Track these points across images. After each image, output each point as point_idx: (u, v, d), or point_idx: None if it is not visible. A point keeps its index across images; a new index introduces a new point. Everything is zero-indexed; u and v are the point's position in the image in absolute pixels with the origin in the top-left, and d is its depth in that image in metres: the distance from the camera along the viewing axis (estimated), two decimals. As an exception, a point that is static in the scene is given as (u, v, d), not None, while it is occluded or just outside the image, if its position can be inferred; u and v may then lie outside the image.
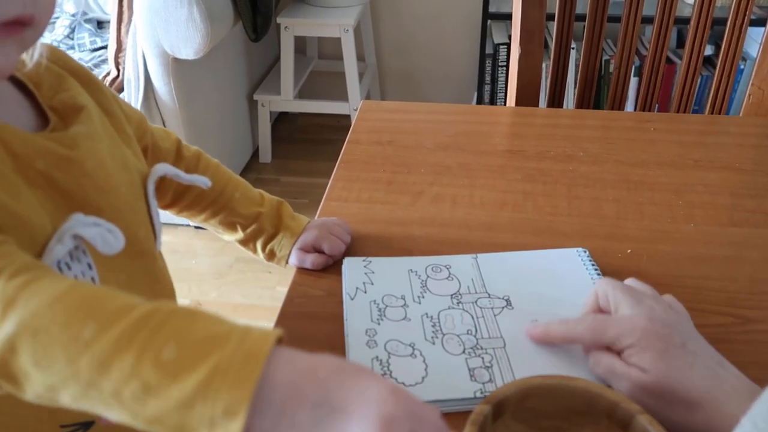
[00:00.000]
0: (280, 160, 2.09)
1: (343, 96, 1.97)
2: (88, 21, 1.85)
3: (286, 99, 1.94)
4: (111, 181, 0.44)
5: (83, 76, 0.48)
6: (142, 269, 0.47)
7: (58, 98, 0.44)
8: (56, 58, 0.47)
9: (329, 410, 0.31)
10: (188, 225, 1.69)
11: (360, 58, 2.10)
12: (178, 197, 0.60)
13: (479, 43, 1.98)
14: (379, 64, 2.24)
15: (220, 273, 1.64)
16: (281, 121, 2.31)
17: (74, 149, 0.42)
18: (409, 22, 2.15)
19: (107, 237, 0.40)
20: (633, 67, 1.84)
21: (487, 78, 1.97)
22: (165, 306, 0.33)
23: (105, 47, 1.74)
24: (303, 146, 2.18)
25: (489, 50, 1.95)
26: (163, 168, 0.51)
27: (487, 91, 1.99)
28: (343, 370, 0.32)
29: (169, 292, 0.51)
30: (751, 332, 0.53)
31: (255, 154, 2.09)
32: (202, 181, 0.54)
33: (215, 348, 0.31)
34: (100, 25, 1.87)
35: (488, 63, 1.95)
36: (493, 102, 2.00)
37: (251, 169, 2.05)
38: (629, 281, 0.51)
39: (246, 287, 1.59)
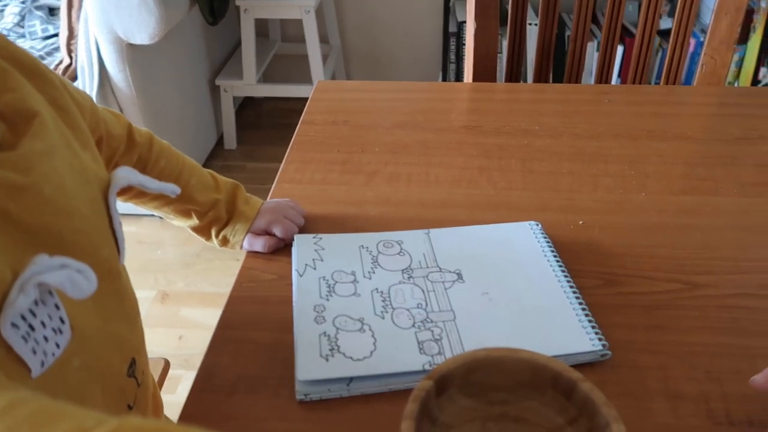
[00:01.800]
0: (246, 146, 2.06)
1: (308, 79, 1.94)
2: (39, 8, 1.79)
3: (248, 83, 1.90)
4: (71, 202, 0.40)
5: (30, 68, 0.42)
6: (108, 290, 0.44)
7: (4, 100, 0.39)
8: None
9: None
10: (154, 215, 1.67)
11: (324, 40, 2.07)
12: (129, 185, 0.58)
13: (443, 21, 1.96)
14: (343, 46, 2.21)
15: (188, 263, 1.61)
16: (246, 106, 2.27)
17: (30, 174, 0.37)
18: (372, 2, 2.12)
19: (77, 279, 0.36)
20: (595, 41, 1.82)
21: (452, 56, 1.96)
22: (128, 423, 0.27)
23: (57, 35, 1.68)
24: (269, 131, 2.15)
25: (453, 28, 1.93)
26: (126, 176, 0.45)
27: (453, 69, 1.98)
28: None
29: (134, 308, 0.48)
30: (698, 297, 0.53)
31: (220, 140, 2.06)
32: (170, 189, 0.49)
33: None
34: (52, 11, 1.81)
35: (453, 41, 1.93)
36: (459, 80, 1.99)
37: (217, 156, 2.01)
38: None
39: (214, 276, 1.57)
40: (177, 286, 1.55)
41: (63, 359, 0.37)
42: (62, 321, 0.37)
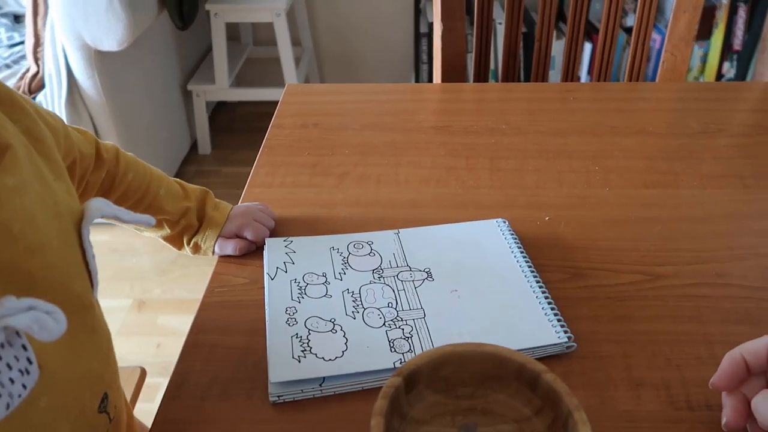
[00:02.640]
0: (220, 151, 2.05)
1: (281, 82, 1.94)
2: (3, 15, 1.76)
3: (221, 88, 1.89)
4: (41, 238, 0.39)
5: (3, 98, 0.42)
6: (80, 325, 0.43)
7: None
8: None
9: None
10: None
11: (296, 42, 2.07)
12: (103, 217, 0.57)
13: (413, 22, 1.98)
14: (316, 48, 2.21)
15: (163, 269, 1.60)
16: (220, 111, 2.26)
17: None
18: (343, 4, 2.12)
19: (45, 321, 0.35)
20: (564, 39, 1.85)
21: (424, 57, 1.97)
22: None
23: (23, 42, 1.66)
24: (243, 136, 2.15)
25: (424, 29, 1.95)
26: (99, 208, 0.44)
27: (425, 69, 2.00)
28: None
29: (107, 342, 0.47)
30: (660, 288, 0.55)
31: (194, 146, 2.04)
32: (145, 220, 0.48)
33: None
34: (18, 19, 1.78)
35: (424, 42, 1.95)
36: (431, 81, 2.01)
37: (191, 161, 2.00)
38: None
39: (190, 282, 1.56)
40: (153, 294, 1.54)
41: (29, 399, 0.36)
42: (29, 361, 0.36)
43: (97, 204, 0.44)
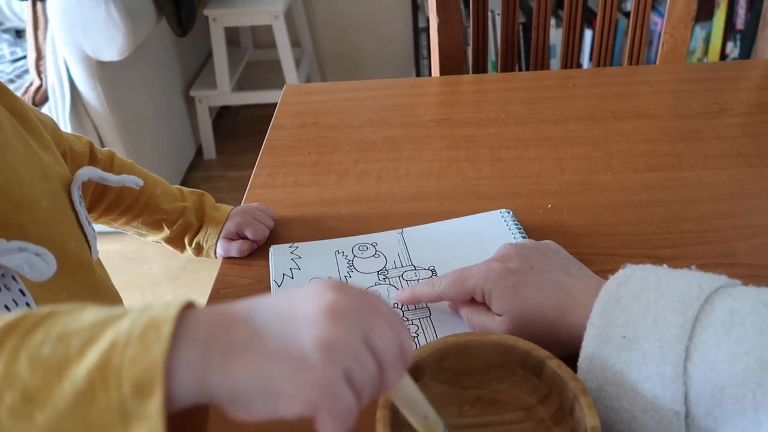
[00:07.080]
0: (225, 156, 2.06)
1: (282, 84, 1.95)
2: (5, 31, 1.78)
3: (223, 92, 1.90)
4: (29, 195, 0.41)
5: None
6: (83, 283, 0.45)
7: None
8: None
9: (271, 315, 0.27)
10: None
11: (296, 43, 2.08)
12: (96, 201, 0.58)
13: (411, 17, 1.97)
14: (316, 48, 2.21)
15: (175, 275, 1.61)
16: (223, 115, 2.27)
17: None
18: (341, 3, 2.12)
19: (35, 262, 0.37)
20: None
21: (424, 52, 1.97)
22: (45, 308, 0.27)
23: (26, 57, 1.67)
24: (247, 139, 2.16)
25: (423, 24, 1.94)
26: (88, 172, 0.47)
27: (426, 65, 1.99)
28: (267, 295, 0.30)
29: (116, 303, 0.49)
30: (665, 270, 0.54)
31: (199, 151, 2.06)
32: (132, 180, 0.51)
33: (107, 327, 0.26)
34: (19, 34, 1.80)
35: (423, 37, 1.94)
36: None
37: (196, 167, 2.01)
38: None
39: (202, 286, 1.57)
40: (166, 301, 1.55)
41: None
42: (29, 306, 0.38)
43: (85, 169, 0.47)
